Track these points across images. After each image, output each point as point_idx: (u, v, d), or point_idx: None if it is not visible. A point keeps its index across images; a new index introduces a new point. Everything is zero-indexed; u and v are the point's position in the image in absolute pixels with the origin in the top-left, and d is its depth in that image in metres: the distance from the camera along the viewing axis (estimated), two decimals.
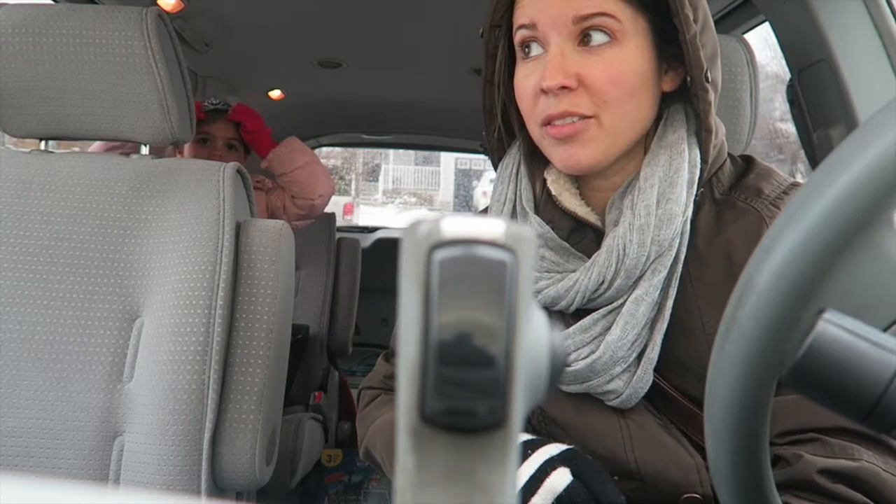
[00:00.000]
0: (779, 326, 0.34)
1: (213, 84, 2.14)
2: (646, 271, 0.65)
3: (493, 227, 0.22)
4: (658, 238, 0.64)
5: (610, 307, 0.65)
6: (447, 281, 0.21)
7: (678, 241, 0.65)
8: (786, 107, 1.25)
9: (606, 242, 0.65)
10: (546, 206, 0.72)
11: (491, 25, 0.71)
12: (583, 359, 0.65)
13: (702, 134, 0.67)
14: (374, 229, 3.50)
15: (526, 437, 0.65)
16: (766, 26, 1.24)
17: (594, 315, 0.66)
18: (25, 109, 1.06)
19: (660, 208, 0.64)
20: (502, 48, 0.71)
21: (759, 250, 0.38)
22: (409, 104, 2.57)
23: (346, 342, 2.26)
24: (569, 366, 0.66)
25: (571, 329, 0.66)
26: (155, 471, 0.90)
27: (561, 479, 0.59)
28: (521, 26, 0.66)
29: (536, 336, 0.24)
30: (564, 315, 0.70)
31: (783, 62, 1.21)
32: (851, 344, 0.32)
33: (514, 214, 0.73)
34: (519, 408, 0.22)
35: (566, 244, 0.68)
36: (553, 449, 0.62)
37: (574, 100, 0.63)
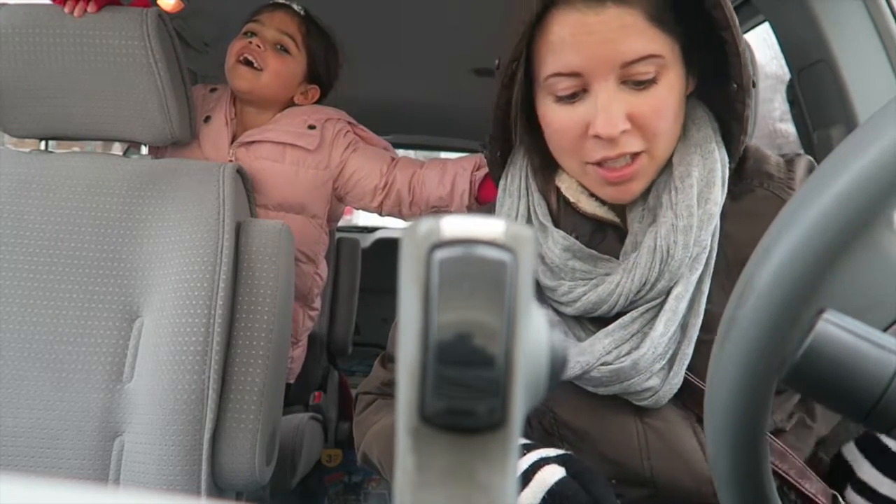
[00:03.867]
0: (779, 326, 0.34)
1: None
2: (685, 270, 0.66)
3: (492, 227, 0.22)
4: (699, 239, 0.65)
5: (648, 305, 0.66)
6: (447, 281, 0.21)
7: (711, 239, 0.67)
8: (786, 107, 1.25)
9: (646, 243, 0.66)
10: (566, 216, 0.72)
11: (510, 60, 0.68)
12: (625, 355, 0.65)
13: (740, 136, 0.69)
14: (374, 229, 3.49)
15: (524, 441, 0.65)
16: (766, 26, 1.24)
17: (633, 313, 0.66)
18: (25, 109, 1.05)
19: (700, 209, 0.65)
20: (520, 82, 0.68)
21: (758, 250, 0.38)
22: (409, 104, 2.57)
23: (346, 342, 2.26)
24: (609, 364, 0.66)
25: (612, 326, 0.66)
26: (155, 471, 0.90)
27: (552, 473, 0.59)
28: (559, 74, 0.64)
29: (536, 336, 0.24)
30: (592, 320, 0.70)
31: (783, 62, 1.21)
32: (851, 344, 0.32)
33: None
34: (519, 408, 0.22)
35: (594, 252, 0.69)
36: (550, 451, 0.62)
37: (627, 139, 0.64)
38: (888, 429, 0.32)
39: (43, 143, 1.10)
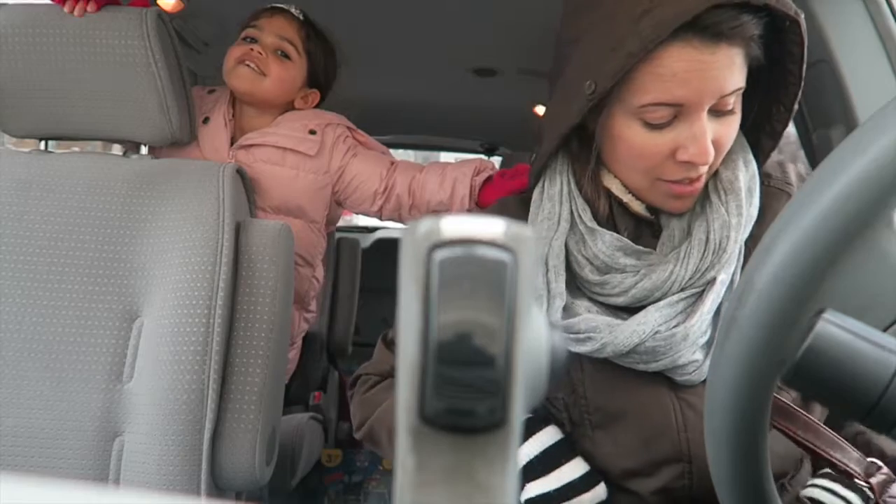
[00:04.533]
0: (779, 326, 0.34)
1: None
2: (728, 261, 0.72)
3: (492, 227, 0.22)
4: (743, 236, 0.71)
5: (693, 290, 0.71)
6: (447, 281, 0.21)
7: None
8: None
9: (697, 236, 0.71)
10: (618, 216, 0.76)
11: (609, 86, 0.67)
12: (675, 327, 0.70)
13: (769, 150, 0.76)
14: (374, 229, 3.49)
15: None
16: None
17: (679, 294, 0.71)
18: (25, 109, 1.05)
19: (745, 210, 0.71)
20: (608, 106, 0.70)
21: (759, 250, 0.38)
22: (409, 104, 2.57)
23: (346, 342, 2.26)
24: (661, 333, 0.69)
25: (660, 303, 0.71)
26: (155, 471, 0.90)
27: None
28: (661, 104, 0.66)
29: (536, 336, 0.24)
30: (630, 310, 0.73)
31: None
32: (851, 344, 0.32)
33: (571, 232, 0.75)
34: (519, 408, 0.22)
35: (640, 247, 0.73)
36: None
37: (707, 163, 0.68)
38: (888, 429, 0.32)
39: (43, 143, 1.10)
